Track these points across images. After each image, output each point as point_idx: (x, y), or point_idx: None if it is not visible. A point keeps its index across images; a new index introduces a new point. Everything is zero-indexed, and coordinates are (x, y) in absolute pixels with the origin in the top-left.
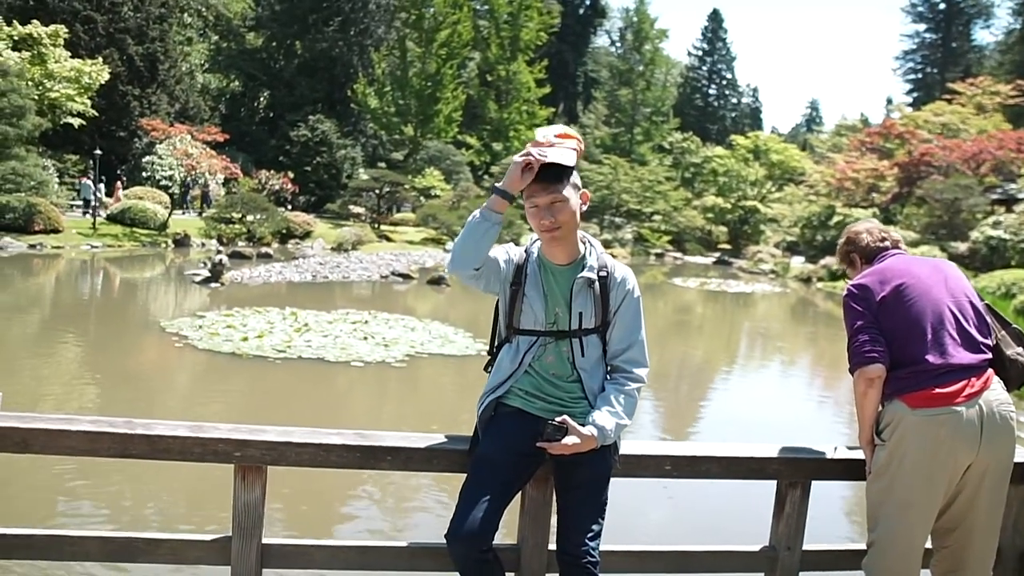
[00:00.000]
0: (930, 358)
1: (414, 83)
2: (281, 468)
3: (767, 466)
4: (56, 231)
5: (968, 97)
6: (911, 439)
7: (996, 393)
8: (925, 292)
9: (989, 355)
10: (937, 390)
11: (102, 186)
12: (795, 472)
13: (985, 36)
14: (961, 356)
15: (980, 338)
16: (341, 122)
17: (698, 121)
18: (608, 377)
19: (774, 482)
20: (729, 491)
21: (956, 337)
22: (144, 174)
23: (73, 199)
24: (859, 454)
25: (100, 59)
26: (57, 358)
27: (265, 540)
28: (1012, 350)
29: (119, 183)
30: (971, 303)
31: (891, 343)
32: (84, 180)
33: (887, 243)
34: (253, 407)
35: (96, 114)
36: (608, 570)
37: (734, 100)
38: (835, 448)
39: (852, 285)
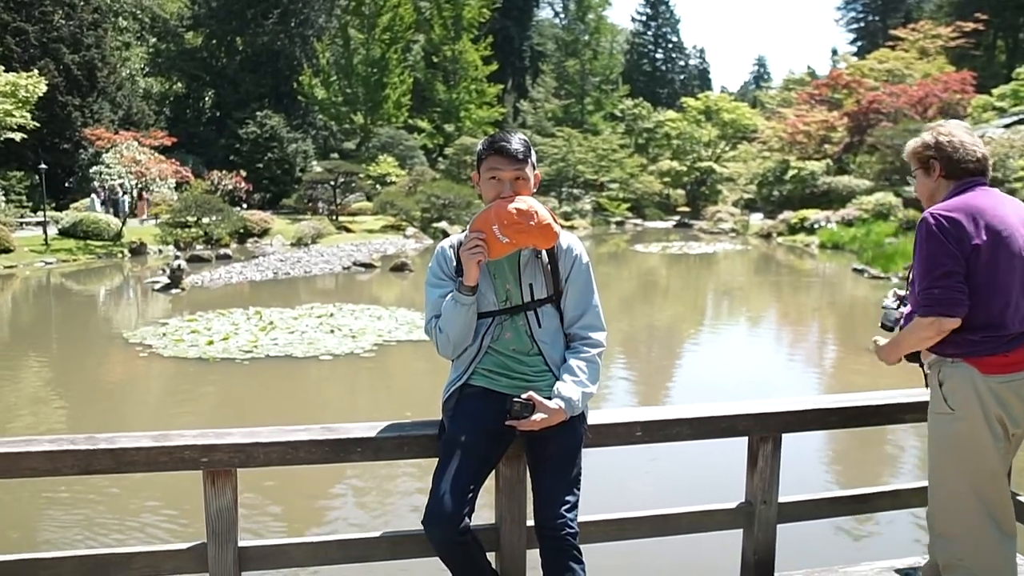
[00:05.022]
0: (1009, 323)
1: (360, 70)
2: (253, 468)
3: (737, 423)
4: (7, 250)
5: (911, 42)
6: (982, 405)
7: None
8: (1019, 248)
9: None
10: (1011, 355)
11: (127, 198)
12: (765, 427)
13: None
14: None
15: None
16: (289, 116)
17: (647, 86)
18: (568, 346)
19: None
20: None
21: None
22: (94, 184)
23: (22, 216)
24: (830, 404)
25: (36, 71)
26: (21, 379)
27: (241, 543)
28: None
29: (145, 194)
30: None
31: (970, 298)
32: (93, 195)
33: (980, 169)
34: (225, 411)
35: (38, 126)
36: (588, 540)
37: (681, 63)
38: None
39: (941, 216)
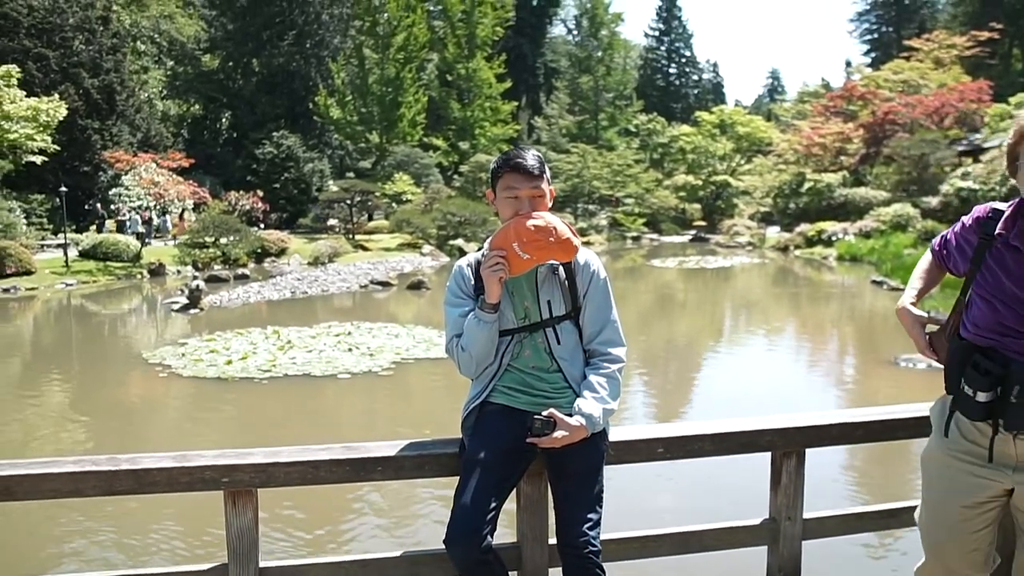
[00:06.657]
0: None
1: (374, 90)
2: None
3: (759, 439)
4: (28, 272)
5: (925, 52)
6: None
7: None
8: None
9: None
10: None
11: (168, 217)
12: (788, 442)
13: None
14: None
15: None
16: (306, 136)
17: (661, 101)
18: (587, 363)
19: (769, 454)
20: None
21: None
22: (112, 207)
23: (43, 238)
24: (855, 417)
25: (56, 95)
26: (42, 400)
27: (262, 564)
28: None
29: (184, 212)
30: None
31: None
32: (132, 214)
33: None
34: (244, 430)
35: (58, 150)
36: (610, 558)
37: (695, 77)
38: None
39: None
